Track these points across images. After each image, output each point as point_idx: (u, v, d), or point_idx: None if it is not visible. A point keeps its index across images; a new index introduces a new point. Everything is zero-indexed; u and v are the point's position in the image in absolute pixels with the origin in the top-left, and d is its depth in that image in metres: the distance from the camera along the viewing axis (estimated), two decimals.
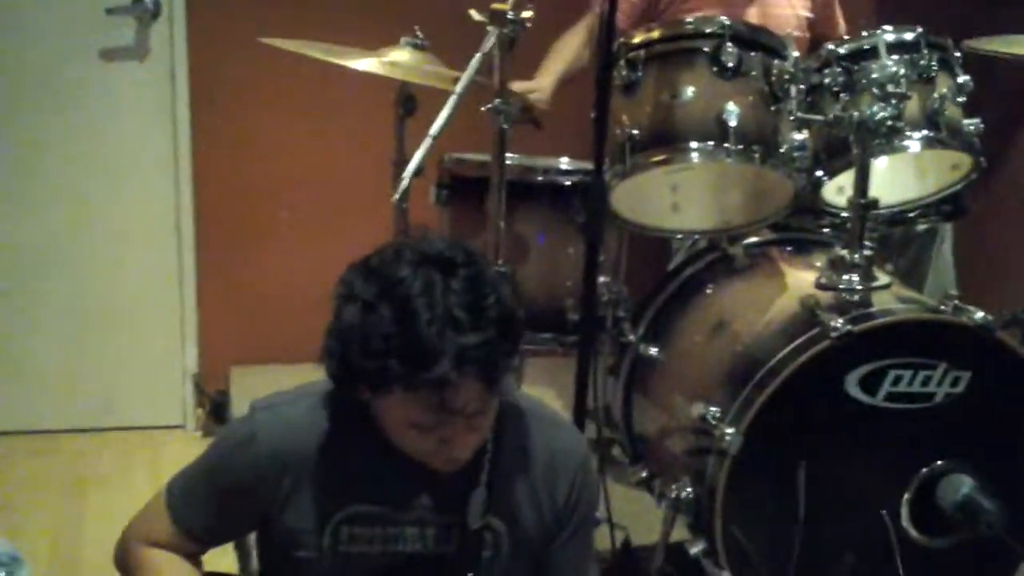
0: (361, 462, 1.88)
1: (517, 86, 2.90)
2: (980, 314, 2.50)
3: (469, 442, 1.81)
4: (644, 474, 2.87)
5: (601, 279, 2.76)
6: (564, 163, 2.96)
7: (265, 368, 3.85)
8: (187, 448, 3.80)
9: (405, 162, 2.74)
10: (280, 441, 1.89)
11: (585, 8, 3.35)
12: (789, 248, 2.98)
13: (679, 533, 2.65)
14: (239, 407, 3.68)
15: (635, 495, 2.95)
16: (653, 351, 2.85)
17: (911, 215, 2.98)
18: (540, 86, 3.25)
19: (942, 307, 2.56)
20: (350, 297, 1.73)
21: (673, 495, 2.58)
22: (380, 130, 3.13)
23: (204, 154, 3.79)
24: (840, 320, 2.44)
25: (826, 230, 2.97)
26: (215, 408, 3.93)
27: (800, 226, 2.99)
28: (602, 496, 2.56)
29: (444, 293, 1.69)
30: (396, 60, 2.89)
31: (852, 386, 2.47)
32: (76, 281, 3.84)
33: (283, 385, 1.97)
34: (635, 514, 2.90)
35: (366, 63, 2.86)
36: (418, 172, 2.57)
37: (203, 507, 1.95)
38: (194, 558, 1.99)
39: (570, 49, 3.35)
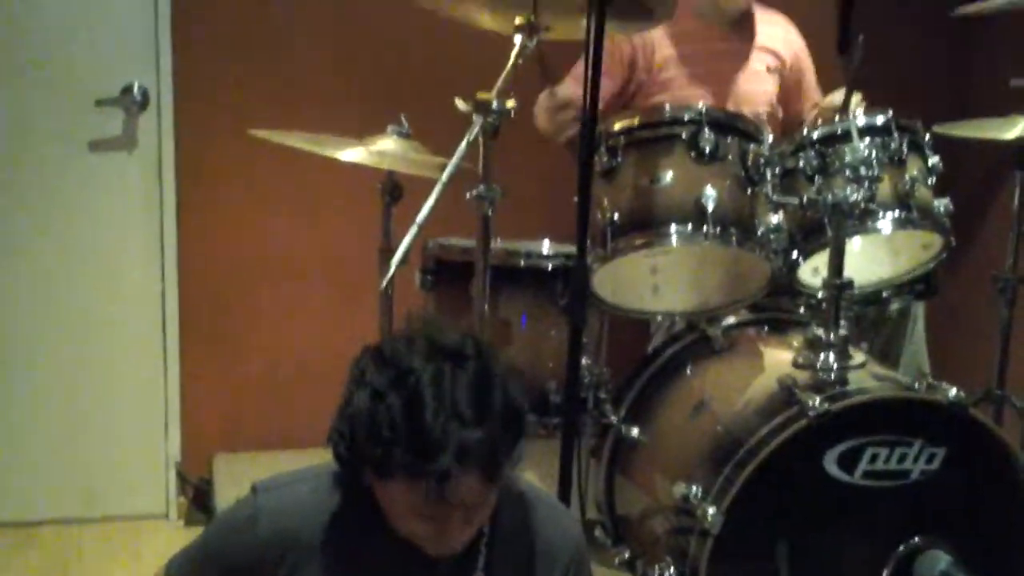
0: (362, 546, 1.90)
1: None
2: (953, 391, 2.54)
3: (465, 532, 1.83)
4: (627, 555, 2.90)
5: (583, 361, 2.80)
6: (545, 247, 3.01)
7: (249, 455, 3.85)
8: (170, 538, 3.80)
9: (392, 249, 2.80)
10: (281, 524, 1.91)
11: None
12: (766, 328, 3.04)
13: None
14: (222, 495, 3.67)
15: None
16: (635, 432, 2.89)
17: (885, 295, 3.06)
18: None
19: (916, 385, 2.61)
20: (361, 383, 1.77)
21: (656, 575, 2.62)
22: (366, 217, 3.17)
23: (190, 242, 3.82)
24: (818, 399, 2.48)
25: (802, 310, 3.03)
26: (198, 496, 3.92)
27: (777, 307, 3.05)
28: None
29: (452, 386, 1.72)
30: (382, 149, 2.92)
31: (830, 464, 2.50)
32: (60, 369, 3.84)
33: (266, 472, 2.00)
34: None
35: (353, 153, 2.91)
36: (403, 262, 2.62)
37: None
38: None
39: None
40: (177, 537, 3.76)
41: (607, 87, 3.22)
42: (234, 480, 3.66)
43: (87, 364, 3.85)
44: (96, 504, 3.91)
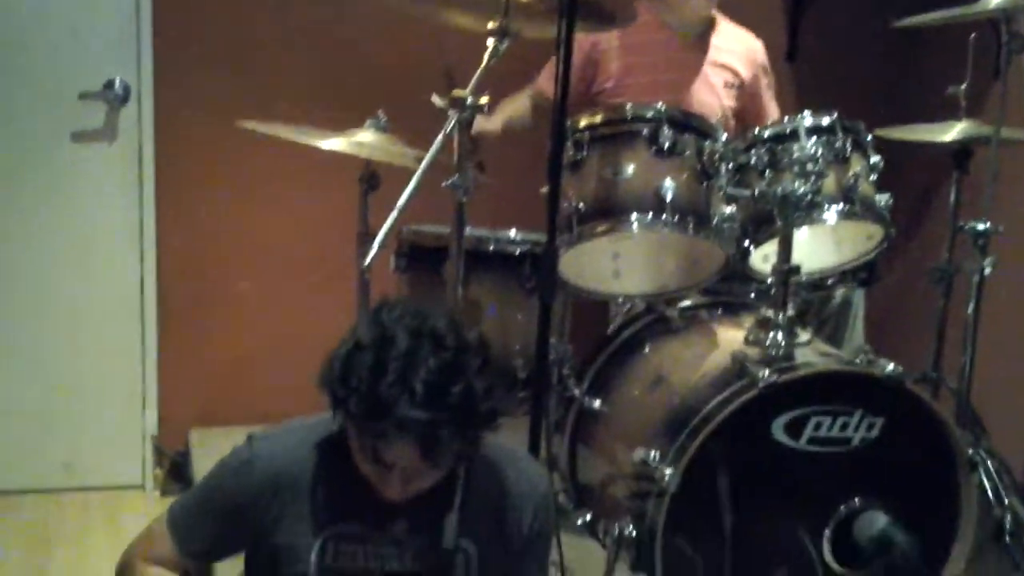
0: (347, 486, 2.08)
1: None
2: (891, 366, 2.76)
3: (404, 490, 2.02)
4: (588, 518, 3.08)
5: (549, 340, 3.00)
6: (513, 234, 3.19)
7: (223, 430, 3.95)
8: (146, 508, 3.95)
9: (370, 234, 2.98)
10: (274, 466, 2.11)
11: (527, 83, 3.64)
12: (720, 310, 3.24)
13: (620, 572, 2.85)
14: (199, 467, 3.82)
15: (578, 541, 3.11)
16: (596, 404, 3.09)
17: (830, 281, 3.29)
18: (492, 124, 3.50)
19: (857, 360, 2.84)
20: (353, 332, 1.98)
21: (616, 533, 2.81)
22: (343, 206, 3.33)
23: (168, 228, 3.97)
24: (767, 371, 2.70)
25: (753, 295, 3.24)
26: (174, 469, 4.08)
27: (730, 291, 3.26)
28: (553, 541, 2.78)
29: (417, 366, 1.91)
30: (361, 140, 3.10)
31: (778, 431, 2.73)
32: (43, 347, 3.99)
33: None
34: (579, 558, 3.06)
35: (333, 143, 3.07)
36: (382, 245, 2.79)
37: (201, 526, 2.16)
38: (190, 575, 2.20)
39: (519, 107, 3.63)
40: (154, 506, 3.94)
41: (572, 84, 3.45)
42: (209, 453, 3.75)
43: (69, 343, 4.00)
44: (76, 475, 4.07)
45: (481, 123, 3.28)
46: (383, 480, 2.01)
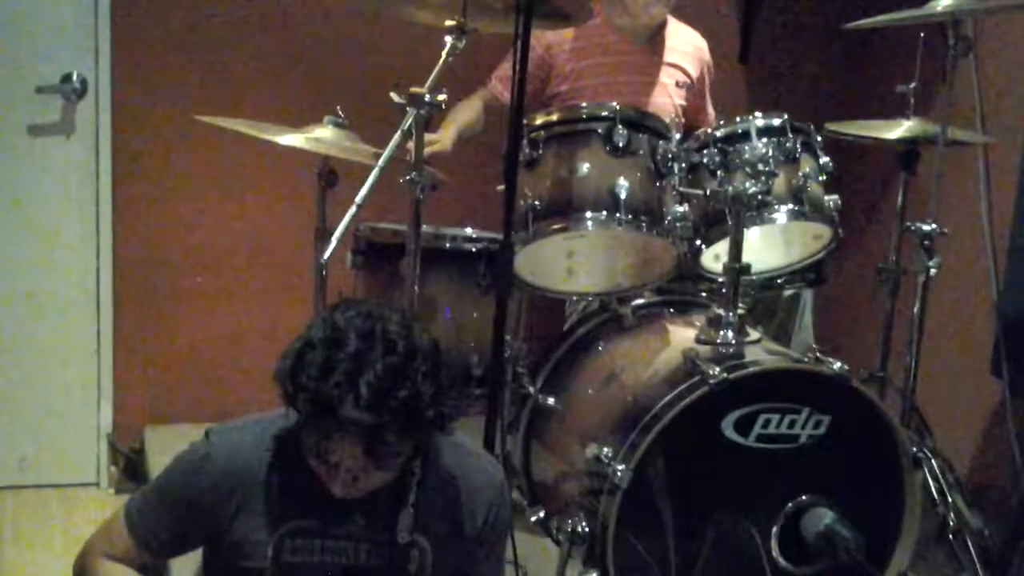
0: (304, 481, 2.11)
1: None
2: (837, 364, 2.81)
3: (351, 488, 2.05)
4: (542, 515, 3.11)
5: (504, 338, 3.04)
6: (469, 231, 3.22)
7: (178, 427, 3.99)
8: (101, 505, 3.95)
9: (327, 230, 3.00)
10: (231, 461, 2.14)
11: (479, 85, 3.67)
12: (672, 309, 3.28)
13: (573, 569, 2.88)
14: (153, 465, 3.83)
15: (532, 538, 3.16)
16: (551, 401, 3.13)
17: (779, 281, 3.33)
18: (442, 138, 3.47)
19: (805, 358, 2.89)
20: (308, 328, 2.01)
21: (569, 529, 2.84)
22: (301, 202, 3.38)
23: (125, 223, 3.97)
24: (717, 368, 2.74)
25: (704, 294, 3.29)
26: (129, 466, 4.08)
27: (683, 290, 3.31)
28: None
29: (364, 368, 1.94)
30: (319, 137, 3.11)
31: (728, 428, 2.76)
32: None
33: None
34: (533, 555, 3.10)
35: (291, 139, 3.08)
36: (342, 236, 2.82)
37: (159, 521, 2.18)
38: (148, 571, 2.22)
39: (470, 113, 3.61)
40: (108, 504, 3.93)
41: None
42: (164, 450, 3.78)
43: (24, 339, 3.99)
44: (31, 472, 4.06)
45: (431, 145, 3.31)
46: (330, 477, 2.04)
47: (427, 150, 2.85)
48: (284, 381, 2.00)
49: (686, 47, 3.79)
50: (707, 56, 3.85)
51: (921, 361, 3.47)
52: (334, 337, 1.98)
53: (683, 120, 3.75)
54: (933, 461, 3.30)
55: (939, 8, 3.15)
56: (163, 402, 4.05)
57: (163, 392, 4.07)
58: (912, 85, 3.40)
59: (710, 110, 3.90)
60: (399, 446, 2.01)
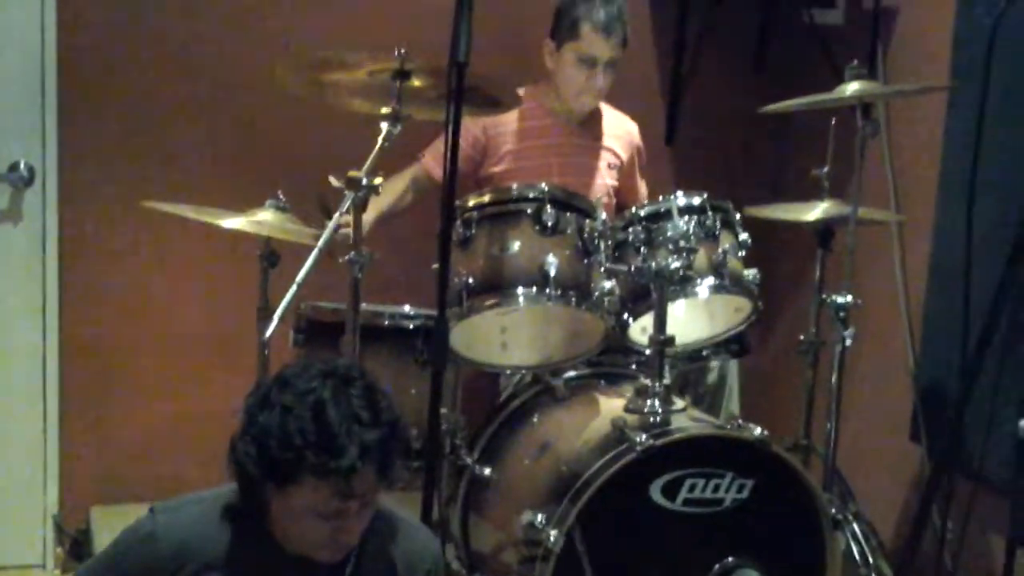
0: (249, 559, 2.20)
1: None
2: (758, 430, 2.96)
3: (356, 529, 2.16)
4: None
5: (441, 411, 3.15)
6: (407, 309, 3.35)
7: (126, 507, 3.98)
8: None
9: (269, 308, 3.12)
10: (178, 539, 2.20)
11: (412, 160, 3.79)
12: (602, 381, 3.42)
13: None
14: (100, 544, 3.83)
15: None
16: (487, 471, 3.24)
17: (705, 353, 3.48)
18: (363, 219, 3.58)
19: (728, 425, 3.04)
20: (267, 405, 2.10)
21: None
22: (244, 283, 3.48)
23: (72, 309, 4.03)
24: (644, 435, 2.88)
25: (634, 366, 3.43)
26: (74, 546, 4.11)
27: (612, 362, 3.45)
28: None
29: (348, 398, 2.08)
30: (261, 219, 3.24)
31: (656, 492, 2.90)
32: None
33: None
34: None
35: (235, 221, 3.22)
36: (283, 315, 2.93)
37: None
38: None
39: (394, 191, 3.72)
40: None
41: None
42: (111, 530, 3.72)
43: None
44: None
45: (349, 221, 3.37)
46: (330, 533, 2.12)
47: (342, 231, 2.97)
48: (277, 457, 2.06)
49: (618, 130, 3.97)
50: (637, 139, 4.03)
51: (844, 428, 3.61)
52: (305, 391, 2.08)
53: (615, 200, 3.92)
54: (855, 525, 3.41)
55: (847, 93, 3.33)
56: (110, 483, 4.09)
57: (110, 473, 4.11)
58: (825, 169, 3.54)
59: (642, 189, 4.06)
60: (397, 457, 2.15)
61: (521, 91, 3.66)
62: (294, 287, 2.84)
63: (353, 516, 2.13)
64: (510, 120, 3.80)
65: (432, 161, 3.73)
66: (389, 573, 2.30)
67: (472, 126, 3.73)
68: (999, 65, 2.80)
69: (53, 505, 4.13)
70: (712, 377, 3.73)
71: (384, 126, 3.00)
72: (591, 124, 3.91)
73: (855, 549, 3.40)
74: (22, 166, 3.97)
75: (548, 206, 3.12)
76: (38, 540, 4.14)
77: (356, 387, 2.11)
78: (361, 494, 2.10)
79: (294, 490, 2.09)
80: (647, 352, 3.15)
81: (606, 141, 3.92)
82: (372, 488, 2.12)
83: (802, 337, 3.67)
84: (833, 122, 3.53)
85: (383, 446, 2.10)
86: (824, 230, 3.62)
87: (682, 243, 3.12)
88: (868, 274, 3.80)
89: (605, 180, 3.90)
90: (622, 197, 3.98)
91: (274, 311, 2.84)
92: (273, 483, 2.10)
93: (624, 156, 3.96)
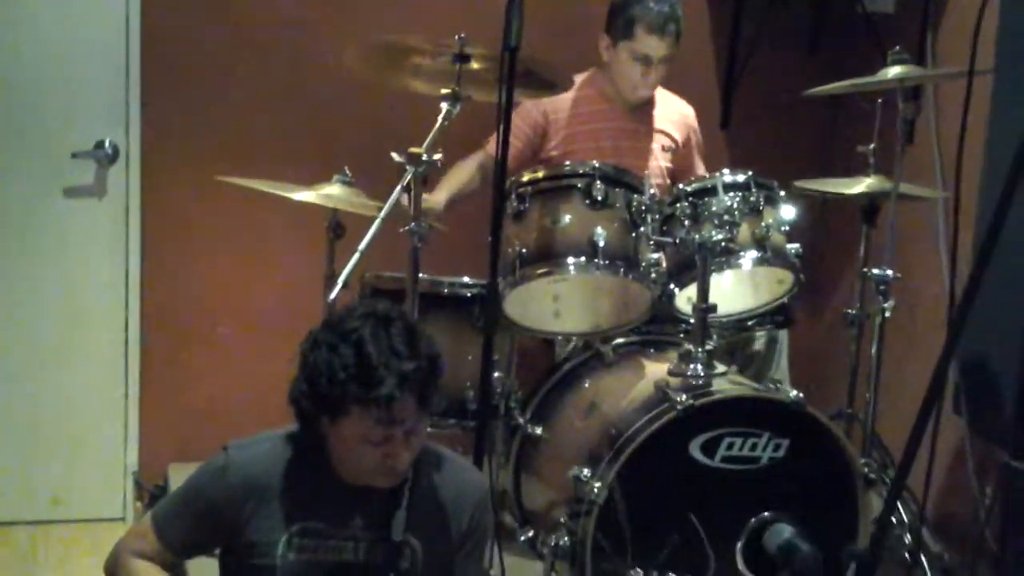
0: (311, 489, 2.41)
1: None
2: (793, 392, 3.12)
3: (405, 457, 2.34)
4: (530, 534, 3.39)
5: (496, 374, 3.34)
6: (466, 279, 3.51)
7: (200, 465, 4.25)
8: None
9: (335, 277, 3.31)
10: (246, 472, 2.42)
11: (478, 148, 3.97)
12: (651, 349, 3.60)
13: None
14: None
15: (521, 561, 3.39)
16: (539, 431, 3.44)
17: (750, 323, 3.63)
18: (435, 199, 3.77)
19: (765, 387, 3.19)
20: (315, 346, 2.31)
21: (552, 544, 3.12)
22: (313, 253, 3.68)
23: (152, 277, 4.26)
24: (684, 396, 3.05)
25: (680, 336, 3.59)
26: (152, 502, 4.31)
27: (660, 331, 3.62)
28: (497, 558, 3.08)
29: (387, 335, 2.28)
30: (329, 193, 3.44)
31: (695, 450, 3.07)
32: (33, 389, 4.24)
33: None
34: (521, 571, 3.33)
35: (304, 195, 3.42)
36: (345, 284, 3.08)
37: (182, 524, 2.47)
38: (172, 568, 2.50)
39: (464, 175, 3.91)
40: None
41: (515, 146, 3.74)
42: None
43: (57, 384, 4.26)
44: (61, 508, 4.32)
45: (426, 200, 3.56)
46: (382, 459, 2.30)
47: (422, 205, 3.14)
48: (326, 393, 2.27)
49: (672, 115, 4.10)
50: (693, 122, 4.16)
51: (887, 400, 3.74)
52: (347, 331, 2.28)
53: (669, 181, 4.04)
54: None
55: (888, 76, 3.47)
56: (185, 442, 4.27)
57: (186, 433, 4.31)
58: (871, 146, 3.67)
59: (700, 170, 4.14)
60: (436, 389, 2.33)
61: (579, 77, 3.83)
62: (357, 254, 3.02)
63: (400, 442, 2.31)
64: (569, 105, 3.95)
65: (494, 146, 3.89)
66: (440, 504, 2.48)
67: (534, 110, 3.91)
68: None
69: (133, 463, 4.37)
70: (758, 346, 3.87)
71: (444, 106, 3.18)
72: (646, 108, 4.05)
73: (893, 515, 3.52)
74: (107, 144, 4.19)
75: (598, 181, 3.30)
76: (119, 495, 4.38)
77: (396, 326, 2.31)
78: (403, 420, 2.28)
79: (344, 421, 2.29)
80: (692, 321, 3.30)
81: (661, 124, 4.06)
82: (414, 415, 2.30)
83: (848, 310, 3.80)
84: (879, 102, 3.65)
85: (421, 376, 2.28)
86: (869, 206, 3.73)
87: (726, 217, 3.28)
88: (913, 250, 3.92)
89: (660, 162, 4.04)
90: (680, 178, 4.07)
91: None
92: (327, 416, 2.30)
93: (679, 138, 4.09)
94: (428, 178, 3.18)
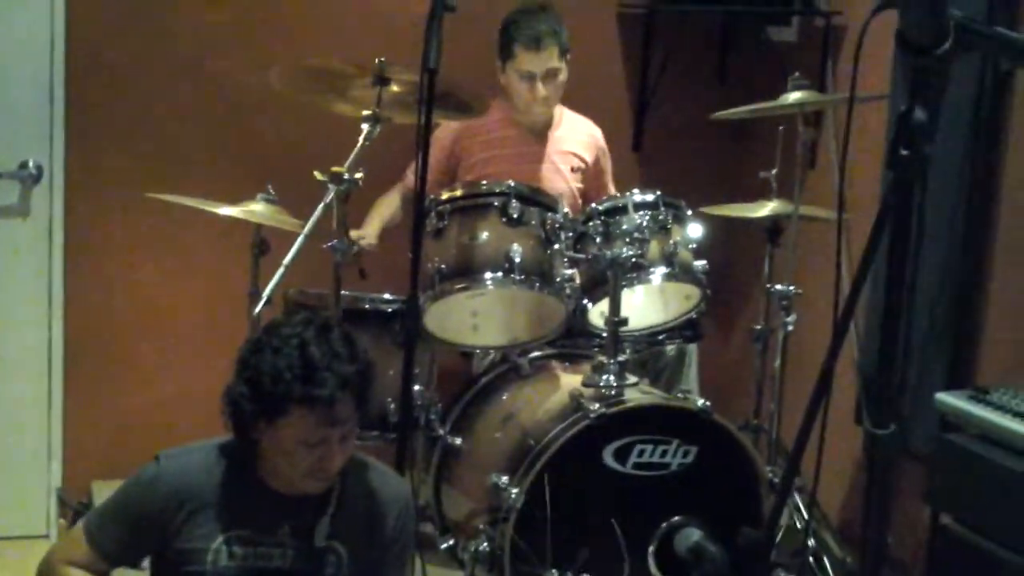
0: (241, 497, 2.49)
1: (352, 233, 3.48)
2: (701, 402, 3.27)
3: (338, 460, 2.43)
4: (451, 542, 3.50)
5: (416, 387, 3.45)
6: (387, 295, 3.62)
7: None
8: None
9: (259, 293, 3.40)
10: (177, 481, 2.49)
11: (399, 178, 4.10)
12: (564, 360, 3.74)
13: None
14: None
15: (442, 571, 3.49)
16: (458, 441, 3.55)
17: (661, 337, 3.77)
18: (367, 232, 3.93)
19: (673, 397, 3.34)
20: (258, 349, 2.41)
21: (472, 550, 3.24)
22: (236, 270, 3.76)
23: (76, 294, 4.28)
24: (597, 405, 3.19)
25: (595, 349, 3.72)
26: (76, 519, 4.36)
27: (573, 344, 3.75)
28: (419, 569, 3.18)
29: (328, 340, 2.39)
30: (253, 209, 3.53)
31: (608, 457, 3.21)
32: None
33: None
34: None
35: (228, 210, 3.50)
36: (269, 300, 3.19)
37: (114, 532, 2.53)
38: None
39: (390, 207, 4.07)
40: None
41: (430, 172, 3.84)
42: None
43: None
44: None
45: (357, 233, 3.75)
46: (317, 462, 2.39)
47: (355, 233, 3.29)
48: (269, 391, 2.35)
49: (581, 135, 4.22)
50: (601, 142, 4.27)
51: (792, 411, 3.88)
52: (289, 335, 2.38)
53: (579, 201, 4.16)
54: (796, 496, 3.71)
55: (788, 101, 3.65)
56: (110, 459, 4.27)
57: (110, 450, 4.33)
58: (773, 171, 3.81)
59: (611, 190, 4.25)
60: (372, 392, 2.45)
61: (493, 104, 3.96)
62: (281, 269, 3.14)
63: (335, 444, 2.41)
64: (480, 131, 4.07)
65: (412, 175, 3.99)
66: (366, 510, 2.57)
67: (444, 138, 4.04)
68: None
69: (57, 480, 4.37)
70: (670, 358, 4.01)
71: (365, 127, 3.30)
72: (554, 131, 4.16)
73: (795, 515, 3.68)
74: (31, 164, 4.20)
75: (514, 200, 3.43)
76: (42, 513, 4.39)
77: (335, 332, 2.43)
78: (343, 421, 2.39)
79: (283, 422, 2.38)
80: (605, 334, 3.44)
81: (569, 146, 4.17)
82: (352, 417, 2.41)
83: (755, 326, 3.96)
84: (781, 129, 3.81)
85: (360, 379, 2.41)
86: (772, 227, 3.90)
87: (636, 235, 3.42)
88: (814, 268, 4.07)
89: (570, 184, 4.15)
90: (592, 198, 4.17)
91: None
92: (265, 419, 2.39)
93: (588, 158, 4.21)
94: (349, 195, 3.27)
